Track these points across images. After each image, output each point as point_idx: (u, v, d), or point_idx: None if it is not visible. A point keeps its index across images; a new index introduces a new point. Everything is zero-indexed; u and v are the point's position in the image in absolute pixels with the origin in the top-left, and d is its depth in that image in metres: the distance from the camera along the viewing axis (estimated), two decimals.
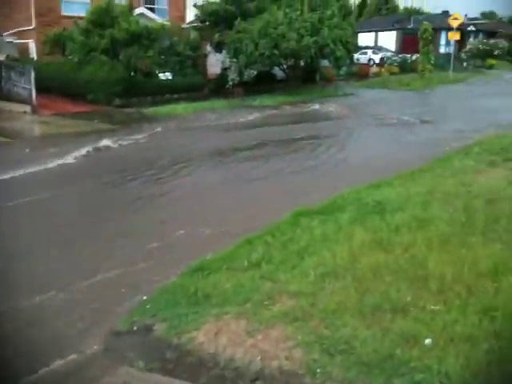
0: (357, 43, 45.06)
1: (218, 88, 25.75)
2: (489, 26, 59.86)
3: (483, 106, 19.81)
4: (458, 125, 14.98)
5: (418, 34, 32.40)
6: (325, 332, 3.76)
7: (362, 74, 35.33)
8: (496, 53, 45.90)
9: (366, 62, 40.76)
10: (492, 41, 47.34)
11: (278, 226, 6.21)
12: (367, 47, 45.35)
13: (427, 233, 5.27)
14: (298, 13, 24.15)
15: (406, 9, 66.80)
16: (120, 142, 13.46)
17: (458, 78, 32.46)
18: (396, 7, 64.76)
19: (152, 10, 29.44)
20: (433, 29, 33.01)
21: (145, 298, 4.83)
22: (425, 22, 32.89)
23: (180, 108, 21.49)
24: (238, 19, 24.42)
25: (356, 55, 41.52)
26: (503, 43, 47.52)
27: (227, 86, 24.32)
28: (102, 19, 22.13)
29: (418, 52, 33.57)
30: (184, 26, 30.71)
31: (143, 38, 21.94)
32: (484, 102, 21.25)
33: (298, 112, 20.40)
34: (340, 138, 14.40)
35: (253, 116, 19.51)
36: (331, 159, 11.45)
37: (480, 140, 11.11)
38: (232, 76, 23.68)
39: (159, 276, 5.30)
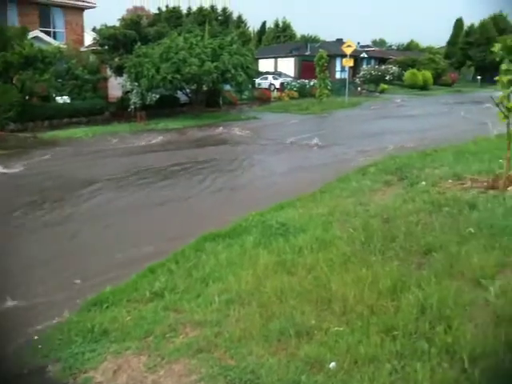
0: (257, 69, 46.36)
1: (120, 111, 25.22)
2: (380, 53, 64.21)
3: (377, 128, 20.95)
4: (356, 146, 15.67)
5: (314, 60, 33.84)
6: (230, 363, 3.63)
7: (263, 98, 36.19)
8: (387, 78, 49.05)
9: (267, 86, 41.83)
10: (383, 67, 50.59)
11: (183, 251, 6.03)
12: (268, 73, 46.68)
13: (329, 253, 5.34)
14: (199, 38, 24.37)
15: (303, 36, 69.81)
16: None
17: (354, 102, 34.23)
18: (293, 35, 67.47)
19: (48, 33, 28.37)
20: (328, 56, 34.71)
21: (36, 337, 4.43)
22: (320, 50, 34.48)
23: (80, 132, 20.73)
24: (139, 43, 24.20)
25: (257, 80, 42.62)
26: (393, 69, 50.92)
27: (129, 110, 23.82)
28: None
29: (315, 78, 35.05)
30: (83, 49, 29.87)
31: (38, 61, 20.94)
32: (377, 124, 22.55)
33: (202, 136, 20.35)
34: (243, 161, 14.50)
35: (156, 140, 19.23)
36: (234, 182, 11.47)
37: (376, 161, 11.66)
38: (134, 99, 23.26)
39: (53, 313, 4.90)
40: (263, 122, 24.84)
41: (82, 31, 31.48)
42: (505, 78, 7.63)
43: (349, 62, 33.78)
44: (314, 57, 34.56)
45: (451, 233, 5.57)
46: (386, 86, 47.32)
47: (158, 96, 24.04)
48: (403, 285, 4.33)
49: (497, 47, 7.66)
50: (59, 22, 29.80)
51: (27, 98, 22.61)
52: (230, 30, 35.94)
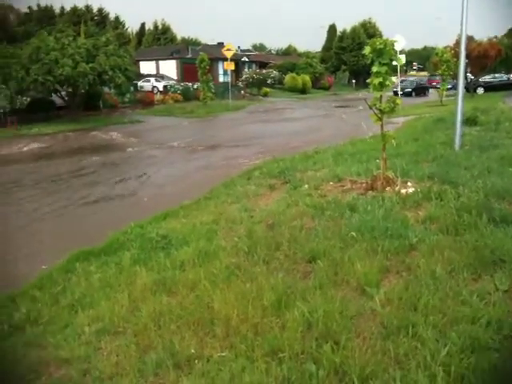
0: (138, 71, 45.05)
1: None
2: (261, 57, 65.59)
3: (260, 130, 21.16)
4: (238, 149, 15.60)
5: (196, 63, 33.57)
6: None
7: (146, 101, 35.20)
8: (269, 81, 50.20)
9: (149, 89, 40.80)
10: (264, 71, 51.66)
11: (50, 274, 5.36)
12: (149, 75, 45.58)
13: (212, 267, 5.00)
14: (71, 38, 22.98)
15: (183, 39, 69.29)
16: None
17: (238, 105, 34.46)
18: (174, 37, 66.72)
19: None
20: (210, 59, 34.61)
21: None
22: (201, 53, 34.31)
23: None
24: (4, 43, 22.30)
25: (140, 83, 41.41)
26: (274, 73, 52.22)
27: None
28: None
29: (198, 81, 34.77)
30: None
31: None
32: (263, 126, 22.82)
33: (81, 141, 19.15)
34: (126, 168, 13.78)
35: (29, 147, 17.77)
36: (116, 191, 10.78)
37: (260, 164, 11.58)
38: (1, 103, 21.29)
39: None
40: (147, 126, 24.06)
41: None
42: (376, 80, 7.79)
43: (230, 66, 33.91)
44: (196, 59, 34.29)
45: (334, 238, 5.49)
46: (268, 90, 48.36)
47: (28, 99, 22.20)
48: (288, 298, 4.10)
49: (367, 50, 7.82)
50: None
51: None
52: (106, 31, 34.53)
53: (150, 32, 67.87)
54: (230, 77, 45.54)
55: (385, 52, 7.84)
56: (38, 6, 56.95)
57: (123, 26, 67.50)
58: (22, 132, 20.69)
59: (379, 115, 8.11)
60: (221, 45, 51.19)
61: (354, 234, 5.52)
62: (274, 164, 11.40)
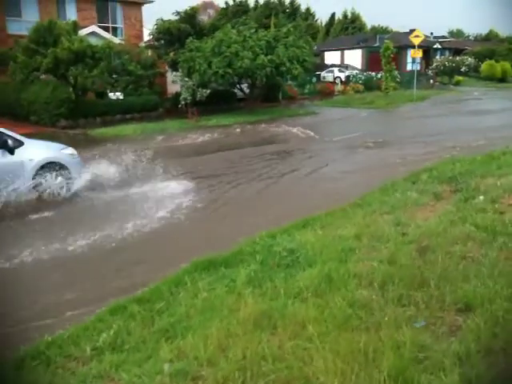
0: (322, 61, 44.64)
1: (174, 108, 24.66)
2: (455, 44, 60.33)
3: (442, 124, 19.00)
4: (411, 146, 14.00)
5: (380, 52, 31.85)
6: None
7: (326, 92, 34.60)
8: (463, 69, 45.82)
9: (332, 80, 40.13)
10: (458, 58, 47.27)
11: (157, 287, 4.91)
12: (333, 65, 44.85)
13: (332, 302, 4.04)
14: (253, 31, 23.22)
15: (373, 27, 66.95)
16: None
17: (423, 95, 31.87)
18: (363, 26, 64.79)
19: (106, 28, 28.34)
20: (399, 47, 32.56)
21: None
22: (386, 40, 32.39)
23: (129, 129, 20.20)
24: (190, 37, 23.45)
25: (323, 73, 40.99)
26: (469, 60, 47.50)
27: (179, 106, 23.13)
28: (44, 37, 20.88)
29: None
30: (142, 44, 29.70)
31: (87, 56, 20.66)
32: (447, 120, 20.51)
33: (256, 132, 19.23)
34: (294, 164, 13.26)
35: (204, 137, 18.33)
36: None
37: (431, 166, 10.03)
38: (184, 95, 22.49)
39: None
40: (320, 118, 23.37)
41: (141, 26, 31.27)
42: None
43: (417, 53, 31.35)
44: None
45: (501, 279, 4.10)
46: (461, 78, 44.16)
47: (208, 91, 23.08)
48: (416, 368, 2.98)
49: None
50: (118, 17, 29.73)
51: (80, 94, 22.52)
52: (297, 23, 34.48)
53: (338, 21, 66.93)
54: (418, 65, 42.53)
55: None
56: (234, 0, 59.98)
57: (313, 17, 67.77)
58: (201, 123, 21.51)
59: None
60: (412, 32, 48.16)
61: None
62: (449, 166, 9.79)
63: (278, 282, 4.68)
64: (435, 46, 50.42)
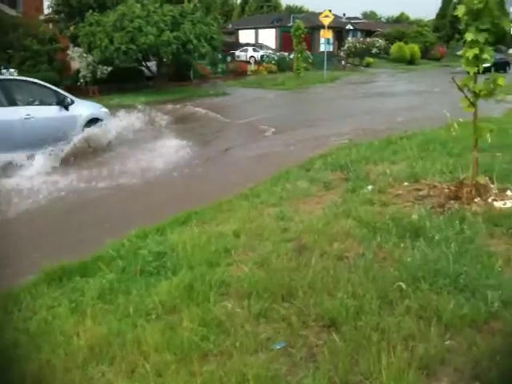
0: (237, 40, 43.90)
1: (76, 86, 23.06)
2: (367, 26, 61.63)
3: (348, 106, 19.07)
4: (314, 130, 13.78)
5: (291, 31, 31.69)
6: None
7: (239, 71, 34.07)
8: (374, 51, 46.88)
9: (246, 59, 39.63)
10: (369, 39, 48.29)
11: None
12: (248, 44, 44.33)
13: (185, 323, 3.51)
14: (157, 5, 22.09)
15: (288, 7, 66.94)
16: None
17: (333, 76, 32.17)
18: (278, 5, 64.58)
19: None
20: (312, 27, 32.41)
21: None
22: (297, 20, 32.25)
23: None
24: (90, 11, 21.92)
25: (237, 52, 40.35)
26: (380, 42, 48.68)
27: (79, 84, 21.65)
28: None
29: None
30: (41, 17, 27.63)
31: None
32: (350, 102, 20.64)
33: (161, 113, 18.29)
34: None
35: None
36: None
37: (327, 152, 9.74)
38: (83, 72, 21.04)
39: None
40: (230, 99, 22.78)
41: None
42: (470, 52, 5.67)
43: (327, 34, 31.50)
44: None
45: (372, 287, 3.75)
46: (371, 60, 45.19)
47: (110, 69, 21.75)
48: None
49: (460, 10, 5.73)
50: None
51: None
52: None
53: (253, 0, 66.28)
54: (331, 46, 42.94)
55: (485, 13, 5.71)
56: None
57: None
58: (101, 103, 20.27)
59: (472, 100, 6.02)
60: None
61: (402, 284, 3.73)
62: (345, 151, 9.56)
63: (133, 296, 4.08)
64: (348, 27, 51.15)
